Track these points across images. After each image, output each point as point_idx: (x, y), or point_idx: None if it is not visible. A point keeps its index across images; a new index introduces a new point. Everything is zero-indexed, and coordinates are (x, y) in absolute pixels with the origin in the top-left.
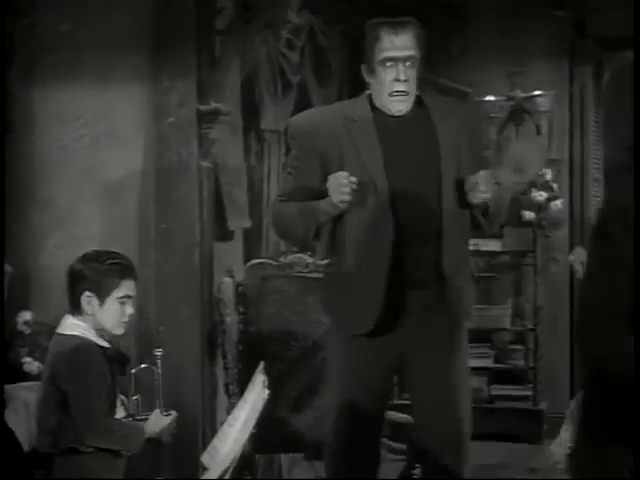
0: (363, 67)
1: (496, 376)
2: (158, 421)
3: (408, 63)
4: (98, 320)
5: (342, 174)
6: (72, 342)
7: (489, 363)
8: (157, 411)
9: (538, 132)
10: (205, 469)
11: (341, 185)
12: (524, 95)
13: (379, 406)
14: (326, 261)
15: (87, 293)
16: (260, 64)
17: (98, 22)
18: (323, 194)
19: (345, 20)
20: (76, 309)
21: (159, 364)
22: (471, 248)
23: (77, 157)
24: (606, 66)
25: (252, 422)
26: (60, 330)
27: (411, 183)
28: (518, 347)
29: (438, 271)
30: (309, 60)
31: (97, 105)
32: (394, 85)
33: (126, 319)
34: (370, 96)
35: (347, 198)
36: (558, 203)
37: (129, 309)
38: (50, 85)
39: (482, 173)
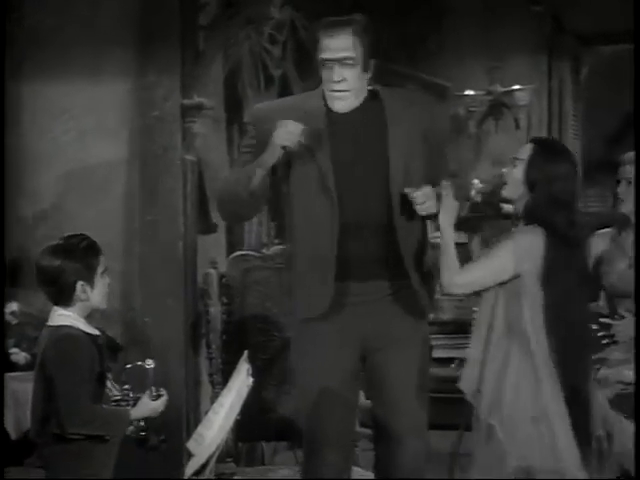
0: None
1: None
2: (146, 405)
3: (347, 63)
4: (91, 302)
5: (292, 122)
6: (61, 332)
7: None
8: (145, 396)
9: (517, 126)
10: (191, 455)
11: (288, 132)
12: (503, 89)
13: (344, 393)
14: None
15: (80, 282)
16: (243, 59)
17: (85, 18)
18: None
19: (326, 15)
20: (66, 301)
21: (151, 372)
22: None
23: (64, 150)
24: (584, 61)
25: (236, 409)
26: (51, 322)
27: (358, 178)
28: None
29: (395, 263)
30: (291, 55)
31: (84, 99)
32: (332, 85)
33: (107, 290)
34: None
35: (289, 144)
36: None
37: (107, 279)
38: (38, 79)
39: (423, 190)
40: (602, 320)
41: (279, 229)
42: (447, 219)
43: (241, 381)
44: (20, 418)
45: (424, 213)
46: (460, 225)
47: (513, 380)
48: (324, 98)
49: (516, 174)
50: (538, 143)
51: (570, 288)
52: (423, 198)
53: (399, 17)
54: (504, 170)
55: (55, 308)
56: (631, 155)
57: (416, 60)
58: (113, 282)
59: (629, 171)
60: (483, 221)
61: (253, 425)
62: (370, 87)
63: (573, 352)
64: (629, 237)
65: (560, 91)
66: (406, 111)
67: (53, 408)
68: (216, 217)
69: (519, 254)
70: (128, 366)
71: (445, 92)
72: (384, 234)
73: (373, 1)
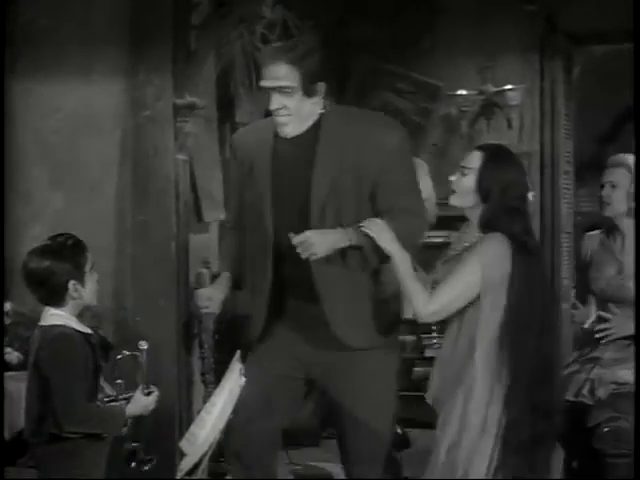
0: None
1: None
2: (139, 401)
3: (284, 92)
4: (83, 300)
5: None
6: (54, 331)
7: None
8: (138, 392)
9: (509, 126)
10: (183, 455)
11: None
12: (495, 89)
13: (277, 418)
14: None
15: (72, 282)
16: (235, 58)
17: (78, 17)
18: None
19: (319, 15)
20: (58, 301)
21: (144, 354)
22: (442, 240)
23: (56, 149)
24: (576, 60)
25: (229, 409)
26: (42, 322)
27: (290, 204)
28: None
29: (313, 291)
30: None
31: (76, 98)
32: (274, 111)
33: (97, 286)
34: None
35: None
36: (529, 195)
37: (95, 275)
38: (30, 78)
39: (305, 235)
40: (602, 314)
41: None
42: (389, 247)
43: (234, 381)
44: (13, 418)
45: (305, 256)
46: (452, 225)
47: (464, 388)
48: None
49: (467, 183)
50: (487, 150)
51: (532, 295)
52: (301, 244)
53: (391, 16)
54: (452, 178)
55: (47, 308)
56: (616, 159)
57: (408, 59)
58: (105, 281)
59: (613, 174)
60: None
61: None
62: (322, 110)
63: (537, 366)
64: (617, 241)
65: (552, 91)
66: (342, 134)
67: (49, 408)
68: (208, 216)
69: (487, 265)
70: (119, 357)
71: (437, 92)
72: (303, 264)
73: (365, 1)
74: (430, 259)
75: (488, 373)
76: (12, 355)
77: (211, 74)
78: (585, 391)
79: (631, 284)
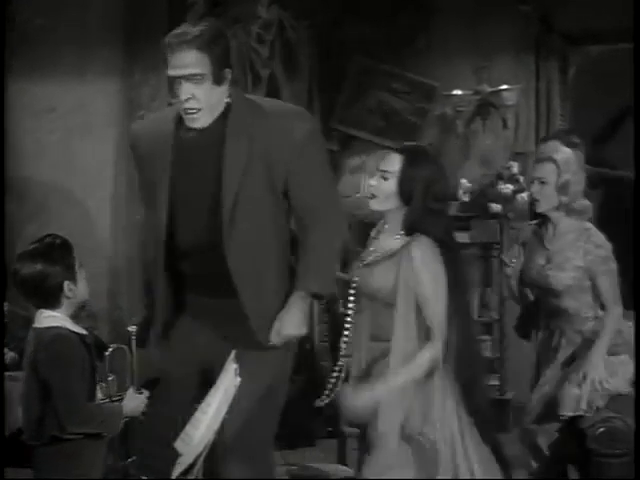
0: None
1: None
2: (133, 400)
3: (194, 80)
4: (78, 298)
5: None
6: (51, 333)
7: None
8: (131, 390)
9: (505, 126)
10: (178, 455)
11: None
12: (491, 89)
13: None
14: None
15: (66, 283)
16: (230, 58)
17: (73, 18)
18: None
19: (314, 15)
20: (53, 303)
21: (133, 342)
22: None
23: (51, 149)
24: (572, 61)
25: (224, 409)
26: (37, 324)
27: (191, 199)
28: (485, 337)
29: (227, 286)
30: (279, 54)
31: (71, 98)
32: (183, 103)
33: (86, 281)
34: None
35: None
36: (524, 195)
37: (83, 271)
38: (25, 78)
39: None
40: (599, 314)
41: None
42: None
43: (229, 381)
44: (12, 417)
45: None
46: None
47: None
48: (179, 115)
49: (388, 187)
50: (406, 153)
51: (456, 292)
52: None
53: (387, 16)
54: (371, 182)
55: (40, 310)
56: (542, 154)
57: (403, 59)
58: (100, 281)
59: (541, 170)
60: (471, 220)
61: None
62: (228, 99)
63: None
64: (549, 232)
65: (548, 91)
66: (250, 125)
67: (49, 410)
68: None
69: (427, 267)
70: (109, 350)
71: (433, 92)
72: (216, 259)
73: (361, 1)
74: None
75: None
76: (7, 355)
77: None
78: (583, 405)
79: (559, 274)
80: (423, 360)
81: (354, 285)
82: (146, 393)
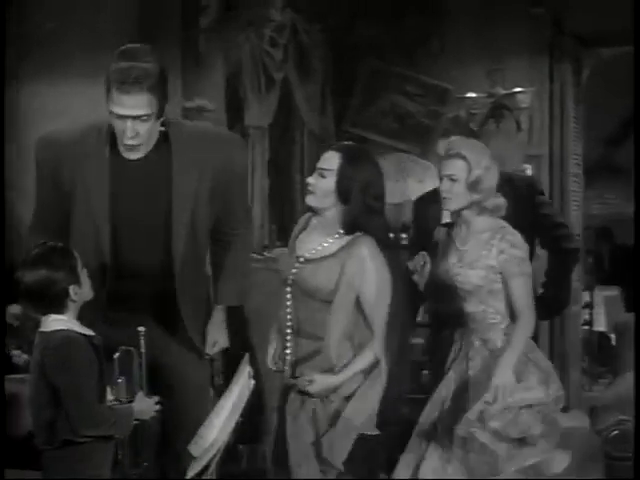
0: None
1: None
2: (143, 403)
3: (142, 119)
4: (83, 299)
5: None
6: (58, 336)
7: None
8: (141, 393)
9: (518, 128)
10: (192, 457)
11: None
12: (504, 92)
13: None
14: None
15: (72, 287)
16: (244, 61)
17: (84, 20)
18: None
19: (327, 18)
20: (60, 308)
21: (142, 343)
22: None
23: None
24: (585, 63)
25: (238, 412)
26: (44, 328)
27: (138, 228)
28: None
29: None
30: (292, 57)
31: (82, 101)
32: (124, 138)
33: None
34: (110, 127)
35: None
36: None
37: (85, 271)
38: (36, 81)
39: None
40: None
41: (280, 231)
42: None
43: (242, 383)
44: (21, 420)
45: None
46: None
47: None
48: (111, 140)
49: (326, 185)
50: (343, 151)
51: (397, 289)
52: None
53: (400, 19)
54: (309, 180)
55: (47, 315)
56: (451, 150)
57: (417, 62)
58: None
59: (450, 167)
60: None
61: (253, 427)
62: (162, 128)
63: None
64: (462, 231)
65: (561, 93)
66: (194, 151)
67: (61, 413)
68: None
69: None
70: (117, 354)
71: (446, 94)
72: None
73: (374, 4)
74: None
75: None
76: (20, 358)
77: (220, 77)
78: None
79: (468, 272)
80: (365, 360)
81: (290, 282)
82: (155, 398)
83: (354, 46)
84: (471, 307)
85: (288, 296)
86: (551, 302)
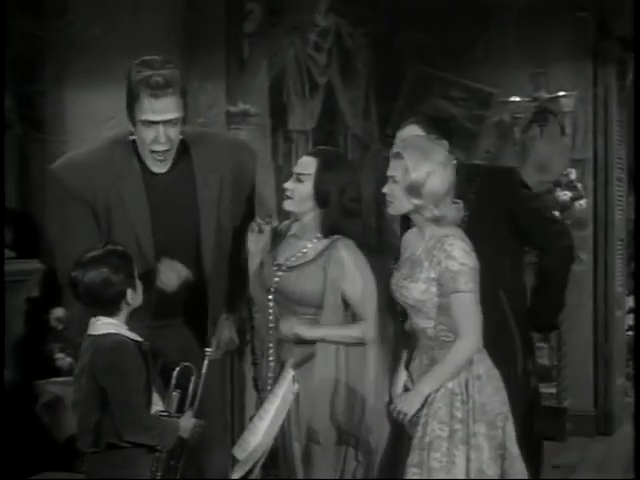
0: (127, 112)
1: None
2: (189, 421)
3: (172, 123)
4: (135, 304)
5: (176, 265)
6: (109, 339)
7: None
8: (190, 411)
9: (562, 132)
10: (236, 461)
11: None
12: (548, 96)
13: None
14: None
15: (129, 290)
16: (287, 66)
17: (128, 26)
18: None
19: (371, 22)
20: (113, 311)
21: (205, 364)
22: None
23: None
24: (629, 67)
25: (282, 416)
26: (93, 331)
27: (174, 241)
28: (542, 345)
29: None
30: (336, 61)
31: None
32: (154, 145)
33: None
34: (135, 143)
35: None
36: (582, 202)
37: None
38: (81, 86)
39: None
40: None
41: None
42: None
43: (286, 387)
44: (67, 423)
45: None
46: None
47: None
48: (137, 155)
49: (304, 189)
50: (320, 156)
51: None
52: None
53: (444, 24)
54: (287, 185)
55: (97, 317)
56: (394, 150)
57: (461, 67)
58: None
59: (393, 168)
60: None
61: None
62: (181, 136)
63: None
64: (414, 240)
65: (605, 97)
66: (213, 157)
67: (107, 417)
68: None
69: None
70: (176, 370)
71: (490, 98)
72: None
73: (418, 9)
74: None
75: None
76: (64, 361)
77: (264, 82)
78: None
79: (410, 285)
80: (349, 331)
81: (274, 289)
82: (201, 421)
83: (398, 50)
84: (422, 323)
85: (271, 304)
86: (544, 311)
